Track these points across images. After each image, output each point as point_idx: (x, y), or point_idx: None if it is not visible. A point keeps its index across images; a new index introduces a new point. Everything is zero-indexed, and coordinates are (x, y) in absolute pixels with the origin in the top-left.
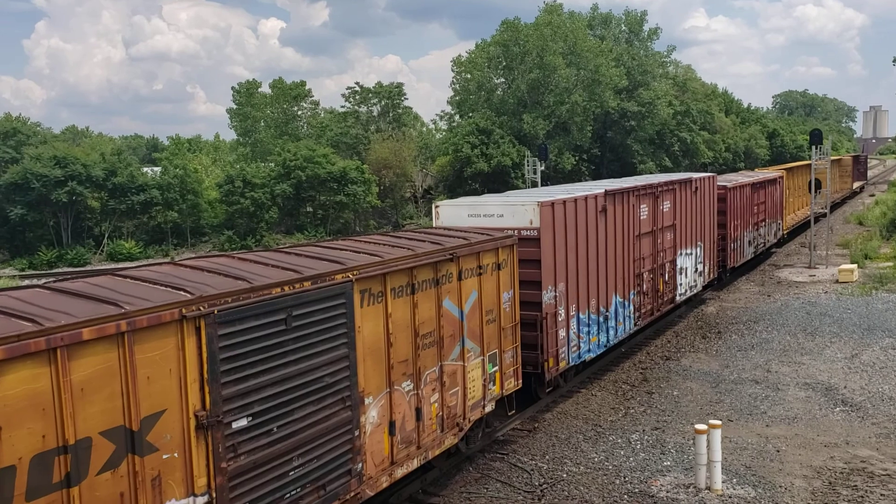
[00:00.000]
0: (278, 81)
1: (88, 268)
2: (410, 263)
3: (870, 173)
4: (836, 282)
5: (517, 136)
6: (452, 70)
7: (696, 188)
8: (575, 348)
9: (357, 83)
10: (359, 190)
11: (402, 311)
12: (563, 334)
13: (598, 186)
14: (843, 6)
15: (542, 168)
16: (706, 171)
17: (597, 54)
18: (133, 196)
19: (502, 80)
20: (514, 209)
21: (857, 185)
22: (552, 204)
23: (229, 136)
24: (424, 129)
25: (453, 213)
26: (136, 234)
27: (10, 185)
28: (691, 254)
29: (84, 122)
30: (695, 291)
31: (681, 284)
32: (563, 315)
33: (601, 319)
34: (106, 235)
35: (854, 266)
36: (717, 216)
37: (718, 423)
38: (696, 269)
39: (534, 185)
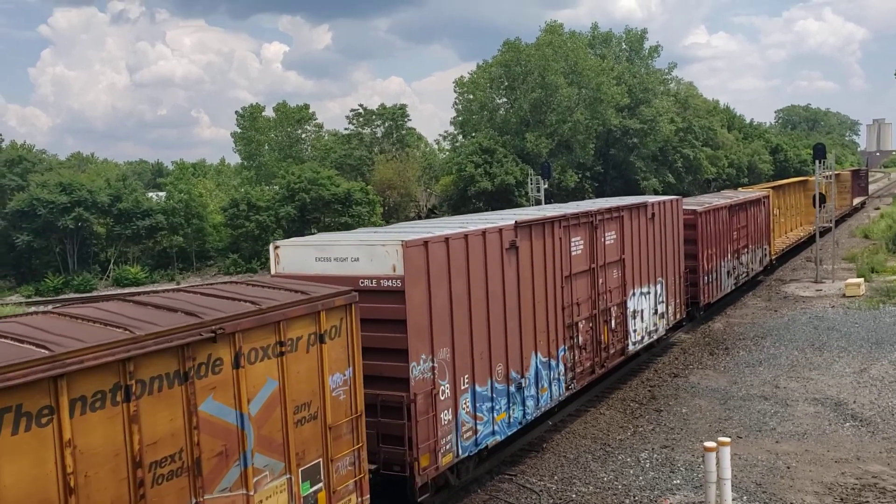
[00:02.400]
0: (282, 105)
1: (95, 293)
2: (119, 353)
3: (874, 186)
4: (843, 296)
5: (520, 155)
6: (455, 91)
7: (653, 214)
8: (469, 433)
9: (360, 105)
10: (363, 211)
11: (102, 433)
12: (448, 417)
13: (509, 216)
14: (843, 20)
15: (546, 186)
16: (709, 188)
17: (598, 73)
18: (138, 221)
19: (504, 99)
20: (373, 251)
21: (857, 200)
22: (425, 243)
23: (234, 159)
24: (428, 148)
25: (297, 256)
26: (141, 259)
27: (17, 212)
28: (649, 293)
29: (89, 149)
30: (655, 337)
31: (634, 331)
32: (447, 391)
33: (513, 389)
34: (112, 261)
35: (861, 280)
36: (686, 245)
37: (727, 440)
38: (656, 311)
39: (537, 202)
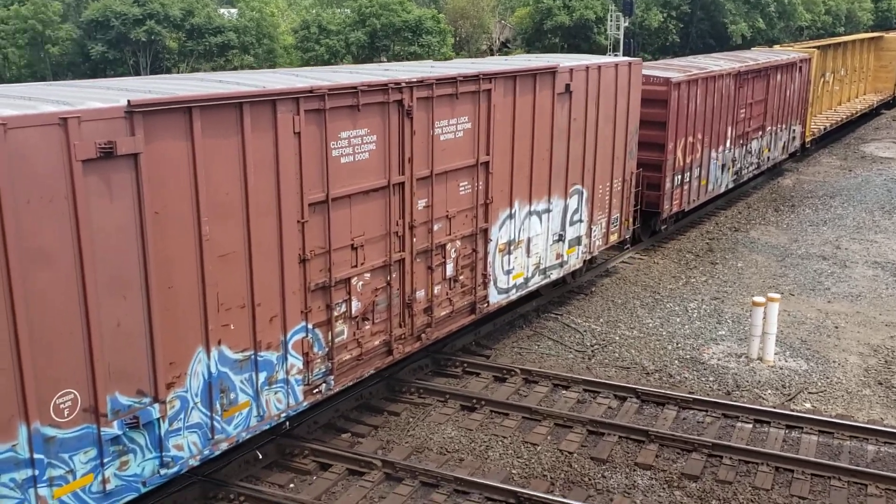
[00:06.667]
0: None
1: None
2: None
3: None
4: None
5: None
6: None
7: (568, 86)
8: None
9: None
10: (433, 41)
11: None
12: None
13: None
14: None
15: (627, 24)
16: (801, 36)
17: None
18: (210, 38)
19: None
20: None
21: None
22: None
23: None
24: None
25: None
26: None
27: (91, 21)
28: (549, 210)
29: None
30: (560, 274)
31: (508, 273)
32: None
33: (114, 430)
34: None
35: None
36: (649, 130)
37: (777, 296)
38: (561, 237)
39: (616, 42)
